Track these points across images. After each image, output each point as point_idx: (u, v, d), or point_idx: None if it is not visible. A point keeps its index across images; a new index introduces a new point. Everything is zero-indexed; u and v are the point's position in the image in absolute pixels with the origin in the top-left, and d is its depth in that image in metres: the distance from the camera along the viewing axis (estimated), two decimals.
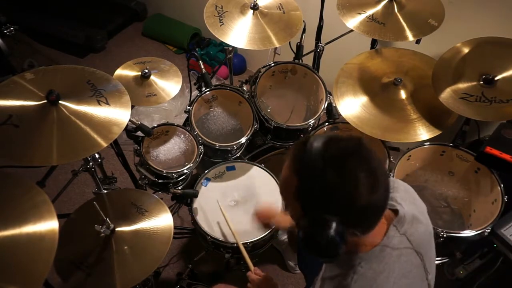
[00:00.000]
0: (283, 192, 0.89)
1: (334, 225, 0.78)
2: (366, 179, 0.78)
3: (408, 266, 0.92)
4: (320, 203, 0.79)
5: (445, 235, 1.46)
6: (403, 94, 1.67)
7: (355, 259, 0.91)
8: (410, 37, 1.68)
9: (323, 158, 0.79)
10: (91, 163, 1.53)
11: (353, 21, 1.74)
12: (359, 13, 1.75)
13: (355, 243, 0.89)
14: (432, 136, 1.58)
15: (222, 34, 1.70)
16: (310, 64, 2.08)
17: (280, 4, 1.84)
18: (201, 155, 1.69)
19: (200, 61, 1.92)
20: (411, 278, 0.92)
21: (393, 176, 1.61)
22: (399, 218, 0.95)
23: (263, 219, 1.50)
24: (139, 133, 1.60)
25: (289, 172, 0.84)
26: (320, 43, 2.06)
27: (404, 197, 1.02)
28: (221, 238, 1.56)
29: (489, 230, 1.47)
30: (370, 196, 0.78)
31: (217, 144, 1.73)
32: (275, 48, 2.60)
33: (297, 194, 0.82)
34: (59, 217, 1.05)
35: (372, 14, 1.75)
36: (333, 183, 0.77)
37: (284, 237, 2.05)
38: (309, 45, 2.05)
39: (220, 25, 1.72)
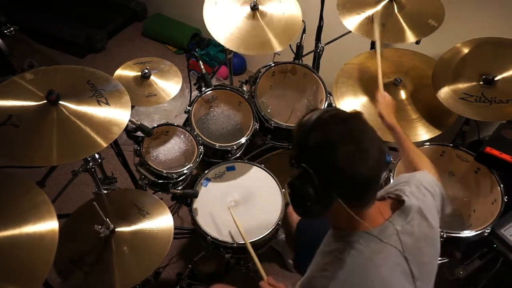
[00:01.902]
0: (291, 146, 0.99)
1: (311, 176, 0.85)
2: (347, 147, 0.83)
3: (392, 262, 0.94)
4: (302, 155, 0.88)
5: (445, 235, 1.46)
6: (403, 94, 1.67)
7: (354, 236, 0.94)
8: (411, 38, 1.67)
9: (315, 120, 0.88)
10: (91, 163, 1.53)
11: (353, 23, 1.73)
12: (359, 14, 1.75)
13: (349, 217, 0.90)
14: (432, 136, 1.58)
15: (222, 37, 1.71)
16: (310, 64, 2.08)
17: (280, 4, 1.83)
18: (201, 155, 1.69)
19: (200, 61, 1.92)
20: (397, 272, 0.95)
21: (392, 177, 1.61)
22: (404, 208, 0.98)
23: None
24: (139, 133, 1.60)
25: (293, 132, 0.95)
26: (320, 43, 2.06)
27: (414, 191, 1.04)
28: (221, 238, 1.56)
29: (489, 230, 1.47)
30: (354, 163, 0.83)
31: (217, 144, 1.73)
32: None
33: (292, 146, 0.93)
34: (59, 217, 1.05)
35: (372, 15, 1.74)
36: (314, 141, 0.86)
37: (282, 236, 2.05)
38: (309, 45, 2.05)
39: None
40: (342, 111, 0.93)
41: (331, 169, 0.84)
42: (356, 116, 0.90)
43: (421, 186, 1.08)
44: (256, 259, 1.41)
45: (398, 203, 1.01)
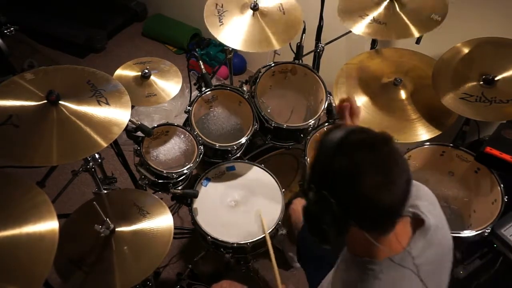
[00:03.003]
0: (309, 167, 0.92)
1: (330, 205, 0.81)
2: (376, 176, 0.79)
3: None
4: (323, 181, 0.83)
5: None
6: (403, 94, 1.67)
7: (376, 264, 0.90)
8: (415, 33, 1.65)
9: (340, 142, 0.82)
10: (91, 163, 1.53)
11: (359, 27, 1.71)
12: (361, 16, 1.73)
13: (367, 243, 0.87)
14: (432, 136, 1.58)
15: (221, 35, 1.71)
16: (310, 64, 2.08)
17: (280, 4, 1.84)
18: (201, 155, 1.69)
19: (200, 61, 1.92)
20: None
21: None
22: (424, 229, 0.94)
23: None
24: (139, 133, 1.60)
25: (314, 150, 0.90)
26: (320, 43, 2.06)
27: (430, 208, 0.99)
28: (221, 238, 1.56)
29: (489, 230, 1.47)
30: (379, 194, 0.79)
31: (217, 144, 1.73)
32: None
33: (310, 167, 0.87)
34: (59, 217, 1.05)
35: (374, 17, 1.71)
36: (339, 168, 0.81)
37: (282, 231, 2.05)
38: (309, 45, 2.05)
39: (220, 25, 1.72)
40: (371, 133, 0.85)
41: (353, 199, 0.81)
42: (386, 141, 0.83)
43: (432, 197, 1.05)
44: (275, 264, 1.43)
45: (415, 222, 0.96)
